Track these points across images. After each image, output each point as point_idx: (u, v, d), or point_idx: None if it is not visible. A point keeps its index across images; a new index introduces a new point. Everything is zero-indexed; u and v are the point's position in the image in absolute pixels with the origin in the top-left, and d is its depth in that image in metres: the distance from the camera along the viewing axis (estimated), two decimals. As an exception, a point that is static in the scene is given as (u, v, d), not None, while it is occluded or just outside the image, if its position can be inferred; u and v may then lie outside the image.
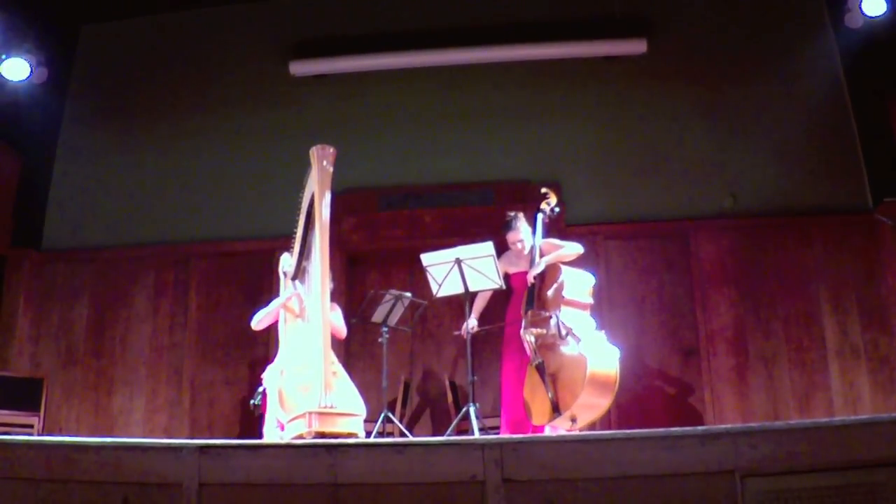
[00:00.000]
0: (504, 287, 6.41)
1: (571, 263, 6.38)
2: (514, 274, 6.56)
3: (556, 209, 6.76)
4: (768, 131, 8.79)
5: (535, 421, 6.01)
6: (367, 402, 5.49)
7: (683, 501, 3.28)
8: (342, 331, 6.38)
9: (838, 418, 5.49)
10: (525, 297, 6.31)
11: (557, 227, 7.90)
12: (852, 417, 6.04)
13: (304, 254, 5.82)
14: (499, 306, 6.79)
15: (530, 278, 6.30)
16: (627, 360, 6.88)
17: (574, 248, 6.45)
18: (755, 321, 8.28)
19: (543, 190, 6.82)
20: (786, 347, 8.18)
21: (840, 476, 3.20)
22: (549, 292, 6.22)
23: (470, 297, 6.45)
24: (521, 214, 6.64)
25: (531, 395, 6.06)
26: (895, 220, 8.19)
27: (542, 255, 6.41)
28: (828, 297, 8.26)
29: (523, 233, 6.55)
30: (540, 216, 6.64)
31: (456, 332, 6.61)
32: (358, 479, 3.43)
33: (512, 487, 3.34)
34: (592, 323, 6.18)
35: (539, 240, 6.51)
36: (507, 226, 6.59)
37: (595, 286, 6.38)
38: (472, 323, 6.48)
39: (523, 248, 6.53)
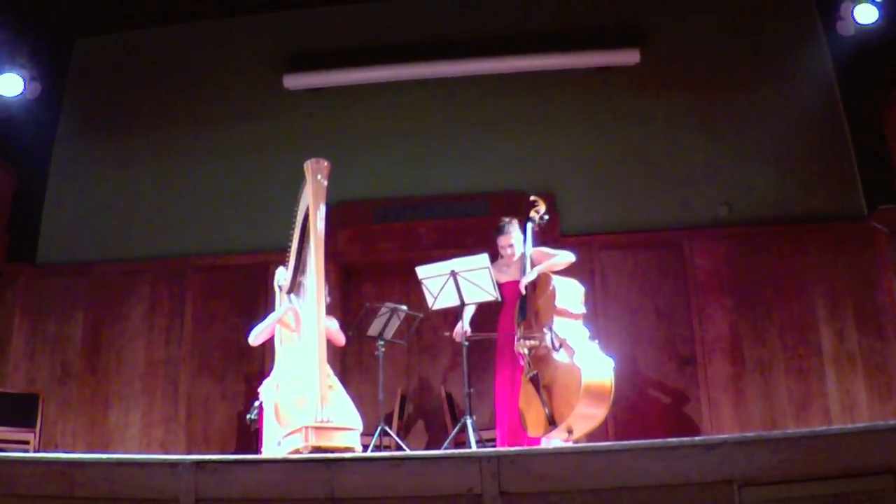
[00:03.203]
0: (500, 299, 6.38)
1: (564, 272, 6.36)
2: (505, 283, 6.50)
3: (546, 217, 6.73)
4: (762, 140, 8.81)
5: (531, 433, 5.98)
6: (363, 415, 5.46)
7: (681, 512, 3.27)
8: (340, 338, 6.39)
9: (836, 426, 5.49)
10: (517, 307, 6.29)
11: (552, 238, 7.92)
12: (849, 425, 6.04)
13: (300, 267, 5.81)
14: (490, 315, 6.75)
15: (522, 287, 6.28)
16: (623, 370, 6.89)
17: (566, 258, 6.44)
18: (751, 329, 8.29)
19: (532, 198, 6.78)
20: (782, 355, 8.18)
21: (838, 484, 3.20)
22: (541, 302, 6.19)
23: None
24: (515, 220, 6.63)
25: (527, 406, 6.03)
26: (890, 227, 8.22)
27: (532, 265, 6.39)
28: (823, 305, 8.27)
29: (515, 237, 6.53)
30: (530, 225, 6.61)
31: (447, 333, 6.56)
32: (355, 494, 3.42)
33: (509, 500, 3.33)
34: (586, 332, 6.15)
35: (529, 248, 6.49)
36: (500, 230, 6.59)
37: (586, 294, 6.36)
38: (465, 327, 6.41)
39: (513, 253, 6.51)
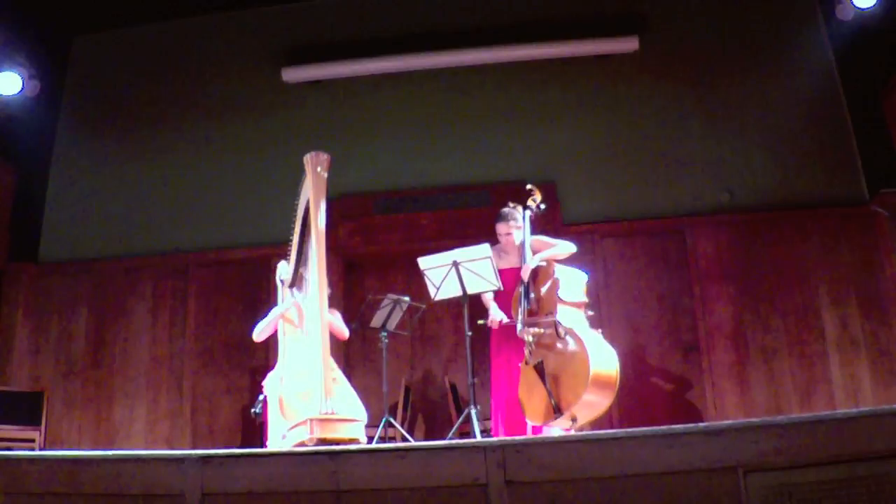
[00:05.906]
0: (502, 288, 6.36)
1: (565, 261, 6.35)
2: (502, 270, 6.45)
3: (543, 206, 6.69)
4: (763, 126, 8.80)
5: (533, 420, 5.97)
6: (367, 407, 5.47)
7: (687, 499, 3.27)
8: (344, 331, 6.37)
9: (840, 411, 5.49)
10: (519, 294, 6.27)
11: (554, 227, 7.91)
12: (854, 410, 6.04)
13: (301, 261, 5.79)
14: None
15: (525, 275, 6.26)
16: (627, 358, 6.88)
17: (568, 248, 6.42)
18: (754, 316, 8.29)
19: (529, 186, 6.73)
20: (786, 341, 8.18)
21: (843, 469, 3.19)
22: (543, 290, 6.18)
23: (469, 298, 6.40)
24: (518, 207, 6.59)
25: (527, 394, 6.01)
26: (892, 211, 8.21)
27: (533, 253, 6.37)
28: (826, 290, 8.27)
29: (521, 222, 6.51)
30: (527, 213, 6.58)
31: (481, 322, 6.51)
32: (361, 485, 3.42)
33: (515, 489, 3.33)
34: (587, 322, 6.15)
35: (528, 237, 6.48)
36: (501, 216, 6.56)
37: (588, 283, 6.34)
38: (500, 315, 6.38)
39: (512, 240, 6.49)
